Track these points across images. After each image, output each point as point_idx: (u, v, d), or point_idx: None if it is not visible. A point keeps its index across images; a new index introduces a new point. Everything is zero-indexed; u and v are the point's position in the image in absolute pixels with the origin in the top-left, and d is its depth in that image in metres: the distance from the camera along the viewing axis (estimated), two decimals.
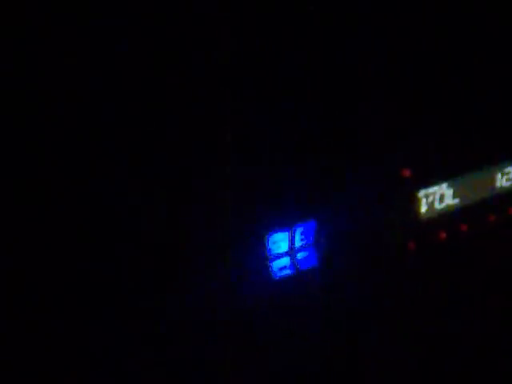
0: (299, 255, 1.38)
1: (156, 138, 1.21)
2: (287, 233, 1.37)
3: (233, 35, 1.20)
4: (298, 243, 1.38)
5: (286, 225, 1.36)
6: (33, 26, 1.07)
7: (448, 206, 1.41)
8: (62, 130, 1.12)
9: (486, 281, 1.46)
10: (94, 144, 1.15)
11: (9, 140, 1.08)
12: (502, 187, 1.46)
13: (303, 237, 1.38)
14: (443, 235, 1.40)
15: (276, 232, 1.35)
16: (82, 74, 1.12)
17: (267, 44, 1.26)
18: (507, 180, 1.45)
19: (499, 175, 1.45)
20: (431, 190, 1.39)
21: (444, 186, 1.40)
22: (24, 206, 1.11)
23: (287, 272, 1.37)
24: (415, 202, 1.38)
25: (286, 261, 1.37)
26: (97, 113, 1.14)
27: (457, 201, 1.42)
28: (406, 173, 1.37)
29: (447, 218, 1.42)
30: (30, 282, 1.12)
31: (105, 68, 1.13)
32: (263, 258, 1.34)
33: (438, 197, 1.40)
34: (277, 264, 1.36)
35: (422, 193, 1.39)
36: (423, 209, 1.39)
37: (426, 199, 1.39)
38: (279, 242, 1.36)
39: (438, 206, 1.40)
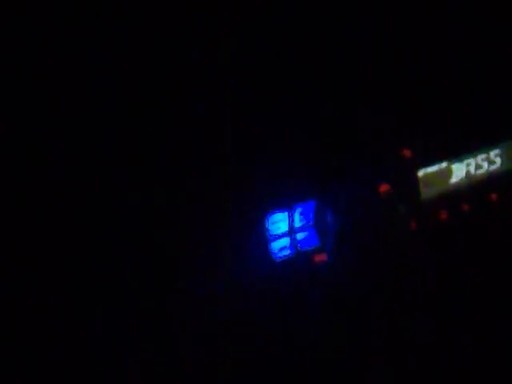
0: (299, 235, 1.38)
1: (155, 122, 1.22)
2: (287, 213, 1.36)
3: (233, 35, 1.20)
4: (297, 223, 1.37)
5: (285, 205, 1.36)
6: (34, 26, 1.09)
7: (449, 186, 1.40)
8: (63, 130, 1.13)
9: (488, 260, 1.44)
10: (96, 144, 1.15)
11: (9, 140, 1.09)
12: (503, 167, 1.44)
13: (302, 217, 1.38)
14: (444, 215, 1.39)
15: (275, 212, 1.35)
16: (83, 74, 1.12)
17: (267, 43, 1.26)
18: (508, 160, 1.43)
19: (501, 155, 1.43)
20: (432, 169, 1.38)
21: (444, 165, 1.38)
22: (25, 205, 1.12)
23: (287, 252, 1.37)
24: (416, 181, 1.37)
25: (285, 241, 1.37)
26: (99, 113, 1.14)
27: (458, 180, 1.40)
28: (407, 153, 1.36)
29: (448, 197, 1.40)
30: (30, 281, 1.13)
31: (105, 68, 1.14)
32: (263, 238, 1.34)
33: (438, 176, 1.38)
34: (277, 245, 1.36)
35: (422, 172, 1.37)
36: (424, 188, 1.38)
37: (427, 179, 1.38)
38: (279, 222, 1.36)
39: (439, 185, 1.39)
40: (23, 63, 1.11)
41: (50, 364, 1.16)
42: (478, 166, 1.40)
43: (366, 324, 1.38)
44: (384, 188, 1.35)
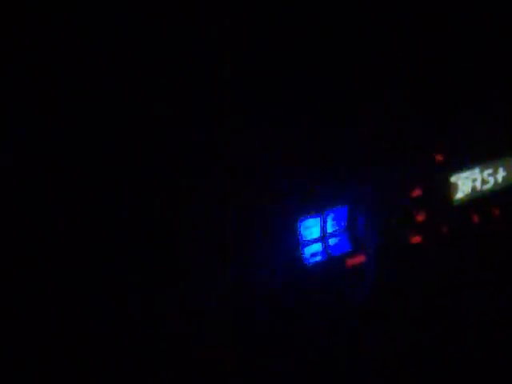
0: (331, 241, 1.38)
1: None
2: (319, 218, 1.36)
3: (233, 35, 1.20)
4: (329, 229, 1.37)
5: (317, 210, 1.35)
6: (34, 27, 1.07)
7: (481, 191, 1.40)
8: (63, 129, 1.12)
9: None
10: (98, 142, 1.15)
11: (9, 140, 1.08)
12: None
13: (335, 222, 1.38)
14: (476, 219, 1.40)
15: (308, 218, 1.35)
16: (83, 75, 1.11)
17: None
18: None
19: None
20: (464, 174, 1.38)
21: (477, 170, 1.39)
22: (24, 202, 1.11)
23: (319, 258, 1.37)
24: (448, 186, 1.37)
25: (317, 247, 1.37)
26: (99, 113, 1.14)
27: (489, 185, 1.41)
28: (439, 157, 1.36)
29: (480, 202, 1.41)
30: (29, 279, 1.13)
31: (106, 69, 1.13)
32: (295, 244, 1.34)
33: (470, 181, 1.39)
34: (309, 250, 1.36)
35: (454, 177, 1.38)
36: (456, 193, 1.38)
37: (459, 183, 1.38)
38: (311, 227, 1.36)
39: (470, 190, 1.39)
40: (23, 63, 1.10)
41: (50, 364, 1.16)
42: (509, 171, 1.41)
43: (399, 325, 1.39)
44: (416, 192, 1.36)
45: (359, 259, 1.38)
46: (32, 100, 1.09)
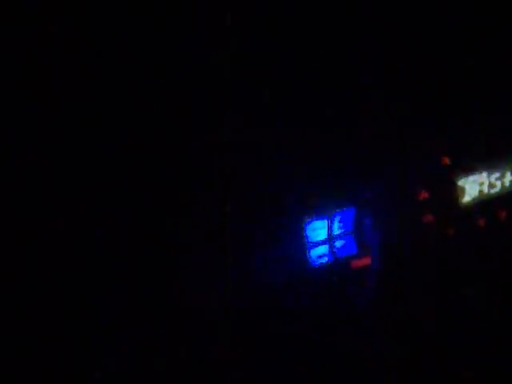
0: (337, 243, 1.38)
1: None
2: (326, 220, 1.36)
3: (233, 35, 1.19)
4: (336, 231, 1.37)
5: (324, 213, 1.35)
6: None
7: (488, 194, 1.40)
8: (63, 130, 1.12)
9: None
10: (99, 143, 1.15)
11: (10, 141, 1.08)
12: None
13: (341, 224, 1.38)
14: (482, 222, 1.40)
15: (315, 220, 1.35)
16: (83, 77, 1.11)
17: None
18: None
19: None
20: (471, 178, 1.38)
21: (484, 174, 1.38)
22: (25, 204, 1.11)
23: (325, 260, 1.37)
24: (456, 189, 1.37)
25: (324, 249, 1.37)
26: (100, 114, 1.13)
27: (497, 189, 1.40)
28: (446, 161, 1.35)
29: (487, 205, 1.40)
30: (30, 281, 1.13)
31: (106, 69, 1.13)
32: (302, 246, 1.34)
33: (478, 185, 1.39)
34: (315, 252, 1.36)
35: (462, 181, 1.37)
36: (463, 196, 1.38)
37: (467, 187, 1.38)
38: (318, 229, 1.36)
39: (478, 193, 1.39)
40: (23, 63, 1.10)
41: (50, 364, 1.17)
42: None
43: (402, 327, 1.39)
44: (423, 195, 1.35)
45: (365, 261, 1.38)
46: (32, 100, 1.09)
